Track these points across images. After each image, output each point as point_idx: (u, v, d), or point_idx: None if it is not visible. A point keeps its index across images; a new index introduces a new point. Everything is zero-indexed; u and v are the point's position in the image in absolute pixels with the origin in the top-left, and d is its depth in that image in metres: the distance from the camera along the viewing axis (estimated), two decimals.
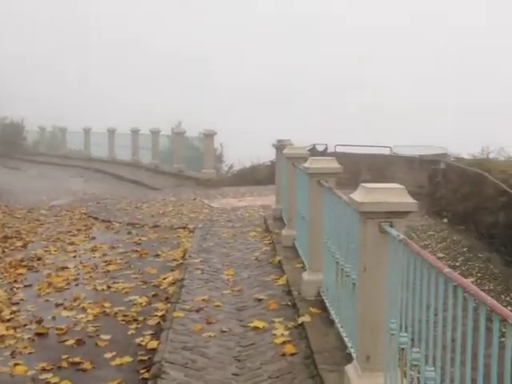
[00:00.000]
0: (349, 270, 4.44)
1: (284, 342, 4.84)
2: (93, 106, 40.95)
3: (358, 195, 3.81)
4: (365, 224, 3.71)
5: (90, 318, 5.76)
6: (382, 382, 3.48)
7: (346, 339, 4.45)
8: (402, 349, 3.23)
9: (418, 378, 3.02)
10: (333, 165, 6.01)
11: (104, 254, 8.47)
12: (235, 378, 4.31)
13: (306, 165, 6.18)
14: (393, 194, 3.70)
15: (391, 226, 3.62)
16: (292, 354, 4.61)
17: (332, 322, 4.96)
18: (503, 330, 2.11)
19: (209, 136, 18.13)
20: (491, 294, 7.87)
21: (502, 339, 2.13)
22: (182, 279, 6.79)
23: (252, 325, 5.29)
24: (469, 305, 2.45)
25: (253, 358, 4.62)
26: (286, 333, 5.03)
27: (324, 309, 5.32)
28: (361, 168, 15.43)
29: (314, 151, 15.54)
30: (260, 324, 5.28)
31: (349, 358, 4.09)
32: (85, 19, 55.44)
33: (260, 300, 6.01)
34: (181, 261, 7.82)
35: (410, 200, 3.69)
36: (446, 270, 2.72)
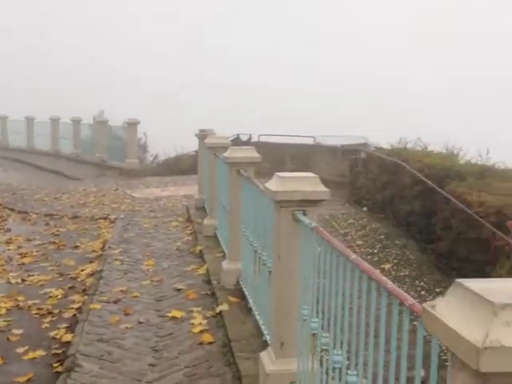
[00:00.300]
0: (266, 258, 4.49)
1: (202, 331, 4.85)
2: (11, 93, 39.45)
3: (272, 184, 3.85)
4: (279, 212, 3.75)
5: (3, 312, 5.58)
6: (295, 367, 3.54)
7: (262, 327, 4.51)
8: (314, 334, 3.29)
9: (327, 361, 3.09)
10: (252, 154, 6.05)
11: (19, 247, 8.20)
12: (151, 369, 4.28)
13: (226, 154, 6.18)
14: (306, 182, 3.76)
15: (304, 214, 3.68)
16: (209, 343, 4.62)
17: (250, 310, 5.01)
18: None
19: (132, 125, 17.82)
20: (406, 279, 8.16)
21: (415, 322, 2.20)
22: (101, 270, 6.67)
23: (170, 315, 5.27)
24: (372, 290, 2.52)
25: (170, 348, 4.60)
26: (204, 322, 5.04)
27: (243, 297, 5.36)
28: (285, 157, 15.59)
29: (237, 141, 15.59)
30: (178, 314, 5.26)
31: (265, 346, 4.14)
32: None
33: (179, 290, 5.99)
34: (100, 252, 7.68)
35: (323, 189, 3.75)
36: (353, 256, 2.78)
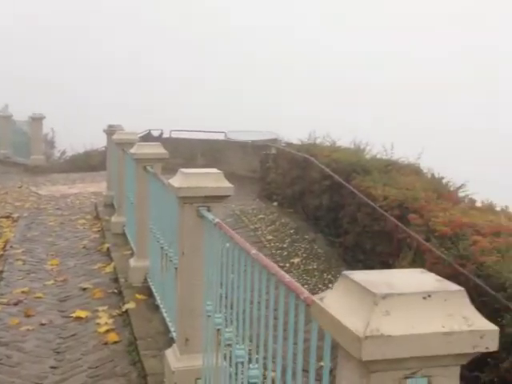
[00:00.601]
0: (172, 255, 4.46)
1: (107, 331, 4.76)
2: None
3: (176, 180, 3.82)
4: (183, 209, 3.73)
5: None
6: (199, 363, 3.54)
7: (169, 324, 4.47)
8: (218, 329, 3.30)
9: (230, 356, 3.11)
10: (159, 150, 5.99)
11: None
12: (53, 371, 4.15)
13: (133, 150, 6.09)
14: (210, 178, 3.75)
15: (209, 210, 3.67)
16: (115, 342, 4.55)
17: (157, 308, 4.96)
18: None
19: (36, 120, 17.19)
20: (315, 273, 8.32)
21: None
22: (1, 271, 6.41)
23: (74, 315, 5.13)
24: (270, 284, 2.55)
25: (73, 350, 4.49)
26: (110, 321, 4.95)
27: (150, 295, 5.30)
28: (196, 153, 15.54)
29: (149, 137, 15.38)
30: (83, 314, 5.14)
31: (172, 343, 4.11)
32: None
33: (85, 289, 5.85)
34: (1, 252, 7.37)
35: (227, 184, 3.76)
36: (253, 251, 2.80)
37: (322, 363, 2.10)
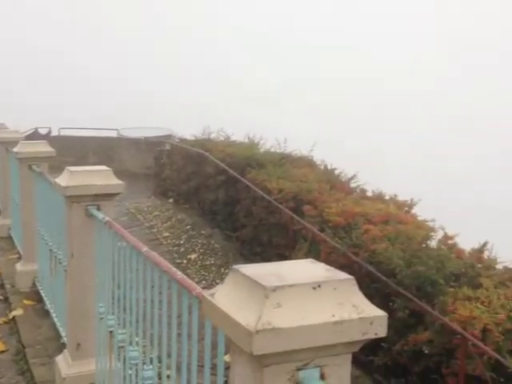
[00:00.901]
0: (61, 257, 4.27)
1: None
2: None
3: (62, 179, 3.65)
4: (70, 208, 3.57)
5: None
6: (93, 368, 3.40)
7: (60, 329, 4.28)
8: (111, 332, 3.18)
9: (124, 358, 3.00)
10: (45, 149, 5.74)
11: None
12: None
13: (16, 149, 5.79)
14: (98, 176, 3.61)
15: (98, 209, 3.53)
16: (1, 352, 4.29)
17: (47, 313, 4.74)
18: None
19: None
20: (213, 268, 8.29)
21: None
22: None
23: None
24: (163, 281, 2.48)
25: None
26: None
27: (40, 300, 5.05)
28: (88, 151, 15.07)
29: (35, 135, 14.74)
30: None
31: (63, 349, 3.93)
32: None
33: None
34: None
35: (117, 182, 3.64)
36: (145, 249, 2.71)
37: (225, 358, 2.06)
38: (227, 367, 2.12)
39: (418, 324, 5.04)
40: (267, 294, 1.39)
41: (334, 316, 1.38)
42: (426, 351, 4.91)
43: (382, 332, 1.44)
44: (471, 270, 5.21)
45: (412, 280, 5.19)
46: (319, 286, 1.42)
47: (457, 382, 4.52)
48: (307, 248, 7.16)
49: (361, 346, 1.47)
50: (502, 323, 4.41)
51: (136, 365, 2.81)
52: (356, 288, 1.45)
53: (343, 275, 1.47)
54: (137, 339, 2.86)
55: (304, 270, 1.53)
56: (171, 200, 11.46)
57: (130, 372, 2.90)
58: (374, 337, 1.43)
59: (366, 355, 5.14)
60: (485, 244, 5.62)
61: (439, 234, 5.95)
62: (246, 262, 8.42)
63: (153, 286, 2.61)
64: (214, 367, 2.24)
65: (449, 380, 4.62)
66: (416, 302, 4.97)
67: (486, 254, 5.55)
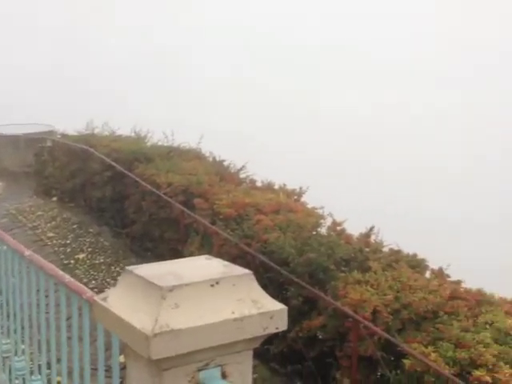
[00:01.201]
0: None
1: None
2: None
3: None
4: None
5: None
6: None
7: None
8: None
9: (10, 369, 2.83)
10: None
11: None
12: None
13: None
14: None
15: None
16: None
17: None
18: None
19: None
20: (102, 267, 8.04)
21: None
22: None
23: None
24: (50, 285, 2.35)
25: None
26: None
27: None
28: None
29: None
30: None
31: None
32: None
33: None
34: None
35: None
36: (27, 253, 2.55)
37: (121, 358, 1.97)
38: (122, 368, 2.03)
39: (312, 310, 5.14)
40: (164, 295, 1.33)
41: (233, 313, 1.34)
42: (320, 336, 5.02)
43: (283, 325, 1.42)
44: (360, 255, 5.37)
45: (304, 267, 5.28)
46: (217, 283, 1.37)
47: (350, 364, 4.65)
48: (199, 241, 7.10)
49: (262, 341, 1.45)
50: (390, 304, 4.58)
51: (23, 375, 2.65)
52: (255, 283, 1.41)
53: (241, 270, 1.43)
54: (23, 347, 2.70)
55: (201, 267, 1.48)
56: (55, 199, 10.99)
57: (16, 382, 2.73)
58: (274, 331, 1.41)
59: (262, 344, 5.18)
60: (371, 228, 5.82)
61: (328, 221, 6.10)
62: (136, 259, 8.25)
63: (38, 290, 2.47)
64: (108, 369, 2.14)
65: (342, 362, 4.75)
66: (309, 288, 5.06)
67: (372, 238, 5.76)
